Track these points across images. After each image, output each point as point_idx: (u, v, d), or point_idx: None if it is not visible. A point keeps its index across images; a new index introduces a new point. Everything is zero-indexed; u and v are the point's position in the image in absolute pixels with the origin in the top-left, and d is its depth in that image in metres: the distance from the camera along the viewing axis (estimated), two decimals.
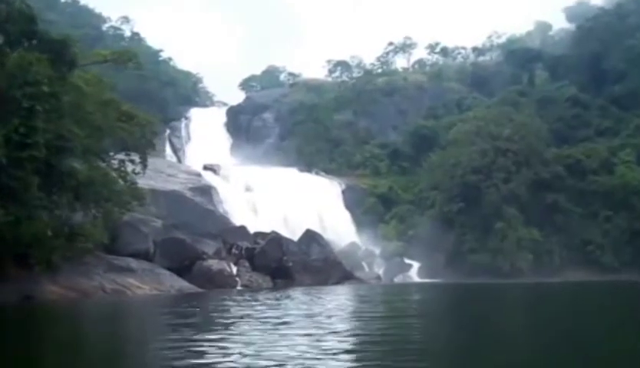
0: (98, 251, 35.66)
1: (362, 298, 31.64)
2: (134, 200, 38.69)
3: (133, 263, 36.48)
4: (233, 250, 44.95)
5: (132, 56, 43.22)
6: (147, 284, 34.27)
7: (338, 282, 47.17)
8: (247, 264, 43.81)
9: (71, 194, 31.55)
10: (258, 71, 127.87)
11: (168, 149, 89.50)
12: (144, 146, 39.98)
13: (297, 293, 32.95)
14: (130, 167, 38.85)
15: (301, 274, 45.57)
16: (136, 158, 39.16)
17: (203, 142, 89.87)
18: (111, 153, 38.64)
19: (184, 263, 40.27)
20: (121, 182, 37.76)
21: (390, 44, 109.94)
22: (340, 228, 66.17)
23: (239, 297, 30.69)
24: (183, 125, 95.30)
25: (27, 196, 27.78)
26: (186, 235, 47.06)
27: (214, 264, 41.14)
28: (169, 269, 38.81)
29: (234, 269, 42.45)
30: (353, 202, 71.51)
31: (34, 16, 31.61)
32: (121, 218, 38.55)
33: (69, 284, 30.76)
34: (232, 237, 48.06)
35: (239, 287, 40.84)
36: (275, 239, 46.96)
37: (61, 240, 30.20)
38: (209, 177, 65.21)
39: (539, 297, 33.23)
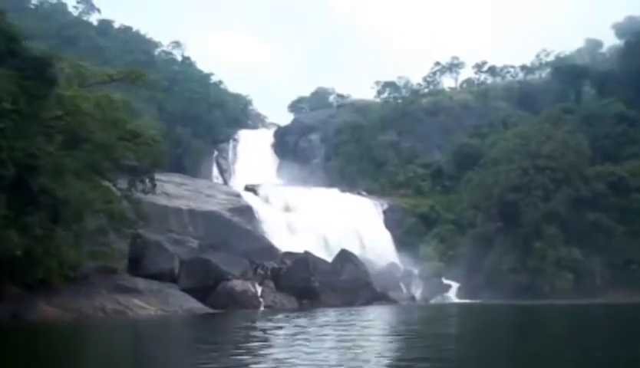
0: (121, 270, 36.02)
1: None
2: (140, 219, 38.70)
3: (141, 283, 36.15)
4: (259, 270, 44.81)
5: (139, 74, 42.15)
6: (153, 305, 33.73)
7: (366, 303, 46.32)
8: (272, 284, 43.55)
9: (50, 213, 30.69)
10: (307, 93, 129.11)
11: (215, 170, 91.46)
12: (151, 164, 39.65)
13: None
14: (140, 186, 38.81)
15: (328, 294, 44.90)
16: (144, 177, 39.08)
17: (250, 163, 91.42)
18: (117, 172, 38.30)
19: (209, 283, 40.21)
20: (119, 201, 37.36)
21: (437, 64, 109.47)
22: (380, 248, 65.87)
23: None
24: (230, 146, 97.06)
25: None
26: (221, 255, 47.32)
27: (238, 284, 40.93)
28: (193, 289, 38.82)
29: (258, 289, 42.06)
30: (394, 221, 71.26)
31: (15, 35, 31.17)
32: (135, 237, 38.88)
33: (66, 305, 30.31)
34: (260, 257, 48.29)
35: (262, 308, 40.43)
36: (302, 259, 46.57)
37: (35, 260, 29.14)
38: (248, 198, 66.06)
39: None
